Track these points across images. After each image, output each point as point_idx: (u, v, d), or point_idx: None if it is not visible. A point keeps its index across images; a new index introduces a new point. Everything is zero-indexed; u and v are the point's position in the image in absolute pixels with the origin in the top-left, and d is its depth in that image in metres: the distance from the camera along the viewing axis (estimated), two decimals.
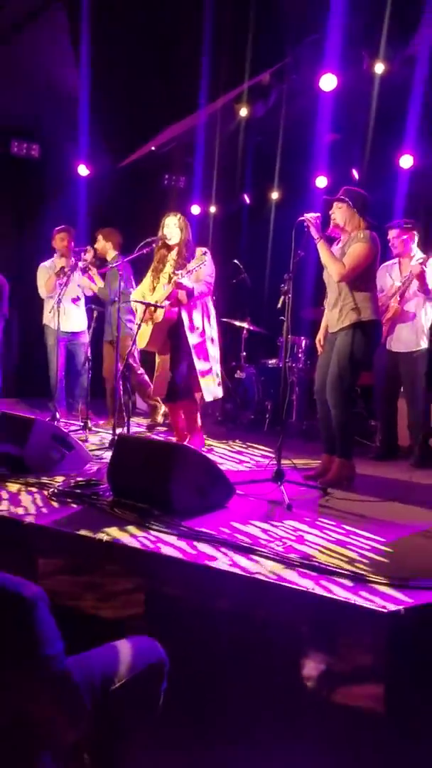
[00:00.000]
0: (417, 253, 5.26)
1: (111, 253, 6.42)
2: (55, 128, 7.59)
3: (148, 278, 5.02)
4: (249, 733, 2.46)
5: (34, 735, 1.60)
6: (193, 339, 4.79)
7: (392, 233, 5.30)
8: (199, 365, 4.80)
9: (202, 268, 4.72)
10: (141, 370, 6.46)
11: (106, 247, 6.43)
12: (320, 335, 4.60)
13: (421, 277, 4.99)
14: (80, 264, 6.38)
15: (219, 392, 4.99)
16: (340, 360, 4.26)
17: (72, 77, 4.46)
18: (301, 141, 6.78)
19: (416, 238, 5.30)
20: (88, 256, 6.40)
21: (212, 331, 4.97)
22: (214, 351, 4.97)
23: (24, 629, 1.48)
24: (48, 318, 6.56)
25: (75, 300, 6.69)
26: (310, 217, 4.22)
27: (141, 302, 4.91)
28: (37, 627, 1.49)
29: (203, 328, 4.87)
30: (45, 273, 6.65)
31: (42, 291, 6.66)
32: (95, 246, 6.48)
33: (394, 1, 4.68)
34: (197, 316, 4.85)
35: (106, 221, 7.28)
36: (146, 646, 2.14)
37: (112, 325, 6.04)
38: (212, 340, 4.95)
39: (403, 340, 5.28)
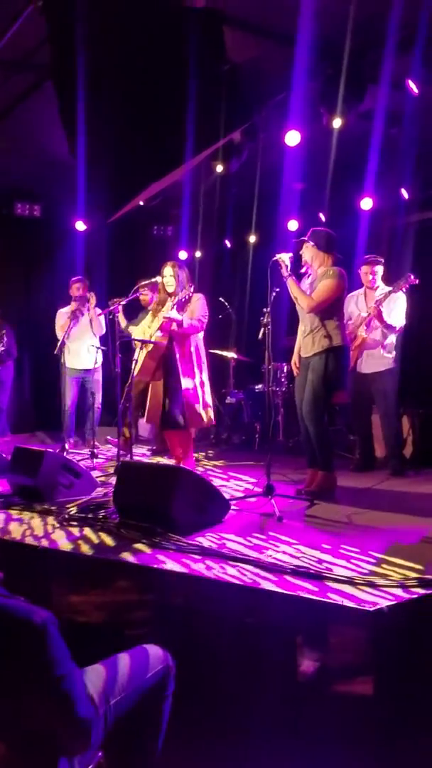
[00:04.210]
0: (381, 285, 5.34)
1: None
2: (53, 190, 7.68)
3: (148, 317, 5.02)
4: (252, 728, 2.41)
5: (52, 744, 1.56)
6: (185, 381, 4.77)
7: (364, 269, 5.38)
8: (190, 399, 4.77)
9: (197, 308, 4.74)
10: None
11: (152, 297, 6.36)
12: (294, 358, 4.60)
13: (379, 317, 5.13)
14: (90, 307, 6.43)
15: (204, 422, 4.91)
16: (315, 382, 4.27)
17: (65, 144, 4.51)
18: (272, 190, 6.87)
19: (381, 271, 5.38)
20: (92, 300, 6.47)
21: (203, 375, 4.93)
22: (202, 392, 4.90)
23: (35, 653, 1.44)
24: (63, 357, 6.55)
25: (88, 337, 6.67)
26: (282, 257, 4.26)
27: (140, 340, 4.92)
28: (47, 650, 1.46)
29: (194, 372, 4.84)
30: (61, 317, 6.67)
31: (58, 333, 6.63)
32: (141, 298, 6.44)
33: (348, 66, 4.79)
34: (191, 355, 4.84)
35: (103, 270, 7.33)
36: (155, 654, 2.10)
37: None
38: (202, 383, 4.91)
39: (371, 362, 5.33)
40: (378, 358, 5.29)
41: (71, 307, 6.62)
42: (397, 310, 5.20)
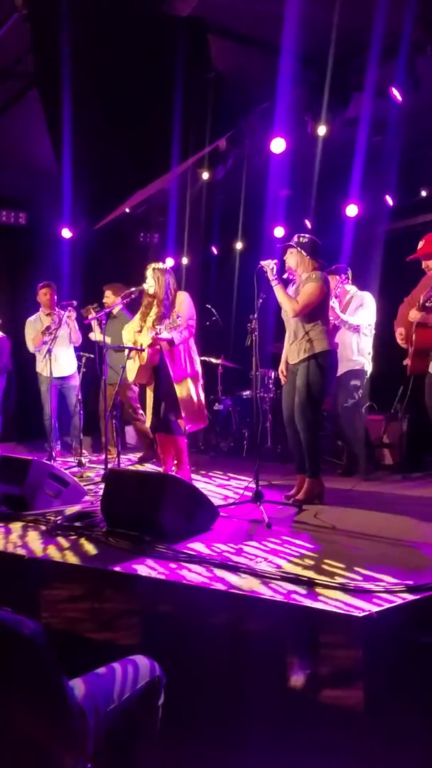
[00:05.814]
0: (351, 290, 5.45)
1: (118, 308, 6.27)
2: (39, 198, 7.68)
3: (136, 320, 5.04)
4: (242, 736, 2.40)
5: (42, 757, 1.54)
6: (176, 376, 4.78)
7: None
8: (182, 397, 4.77)
9: (184, 312, 4.74)
10: (141, 413, 6.30)
11: (115, 301, 6.16)
12: (282, 366, 4.61)
13: (333, 313, 5.19)
14: (64, 318, 6.35)
15: (202, 421, 4.92)
16: (302, 389, 4.28)
17: (50, 152, 4.51)
18: (259, 197, 6.91)
19: (339, 278, 5.44)
20: (78, 312, 6.41)
21: (196, 366, 4.94)
22: (195, 385, 4.92)
23: (24, 664, 1.42)
24: (40, 366, 6.52)
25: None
26: (267, 263, 4.28)
27: (127, 347, 4.94)
28: (36, 662, 1.44)
29: (186, 366, 4.86)
30: (32, 328, 6.59)
31: (30, 345, 6.60)
32: (104, 301, 6.38)
33: (332, 74, 4.84)
34: (181, 357, 4.85)
35: (89, 277, 7.29)
36: (144, 665, 2.08)
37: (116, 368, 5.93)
38: (194, 377, 4.91)
39: (342, 365, 5.39)
40: (346, 360, 5.39)
41: (46, 320, 6.51)
42: (360, 309, 5.32)
